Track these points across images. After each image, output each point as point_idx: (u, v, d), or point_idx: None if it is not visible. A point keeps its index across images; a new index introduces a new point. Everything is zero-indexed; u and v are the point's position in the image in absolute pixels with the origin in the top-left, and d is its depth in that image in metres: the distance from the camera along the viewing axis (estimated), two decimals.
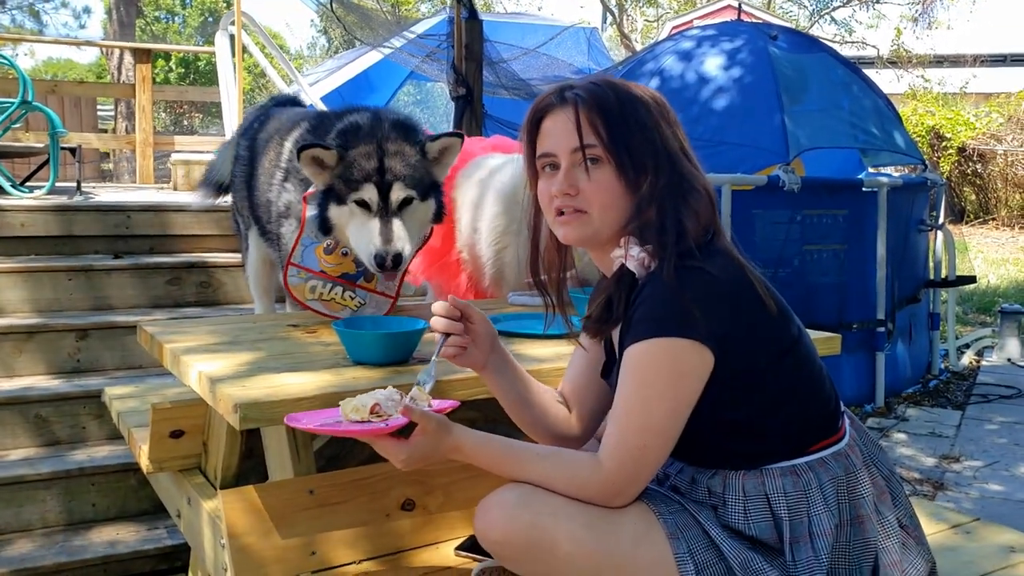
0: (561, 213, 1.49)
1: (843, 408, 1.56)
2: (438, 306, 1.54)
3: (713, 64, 5.27)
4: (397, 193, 2.25)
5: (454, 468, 1.85)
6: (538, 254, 1.60)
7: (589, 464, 1.40)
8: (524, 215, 3.06)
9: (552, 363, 1.95)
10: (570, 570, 1.38)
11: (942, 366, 5.72)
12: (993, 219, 12.88)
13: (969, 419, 4.70)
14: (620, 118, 1.44)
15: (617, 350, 1.51)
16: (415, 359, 1.91)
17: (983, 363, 5.93)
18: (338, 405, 1.53)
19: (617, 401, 1.41)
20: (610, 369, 1.57)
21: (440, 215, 2.45)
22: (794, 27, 15.20)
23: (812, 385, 1.50)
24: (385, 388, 1.52)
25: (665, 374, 1.36)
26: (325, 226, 2.33)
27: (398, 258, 2.21)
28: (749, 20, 6.09)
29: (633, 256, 1.45)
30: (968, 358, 5.99)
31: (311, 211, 2.36)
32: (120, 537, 2.93)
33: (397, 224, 2.24)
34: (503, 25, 7.25)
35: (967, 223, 12.79)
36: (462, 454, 1.43)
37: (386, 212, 2.24)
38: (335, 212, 2.30)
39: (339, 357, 1.93)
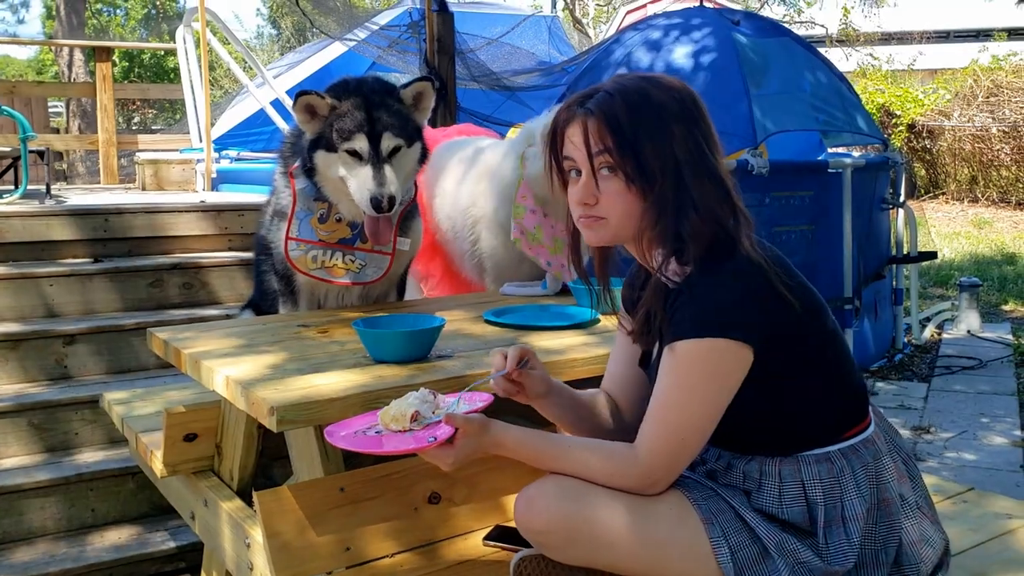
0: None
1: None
2: (500, 360, 1.61)
3: (680, 52, 5.35)
4: (387, 142, 2.42)
5: (476, 460, 1.90)
6: (579, 249, 1.66)
7: (626, 455, 1.47)
8: (512, 207, 3.08)
9: (562, 355, 2.01)
10: (611, 555, 1.45)
11: (905, 340, 5.89)
12: (943, 193, 13.18)
13: (935, 391, 4.87)
14: (630, 127, 1.47)
15: (657, 345, 1.57)
16: (434, 355, 1.97)
17: (944, 336, 6.12)
18: (368, 410, 1.60)
19: (655, 396, 1.47)
20: (648, 360, 1.64)
21: (424, 159, 2.61)
22: (745, 8, 15.36)
23: (845, 375, 1.57)
24: (417, 390, 1.57)
25: (705, 374, 1.43)
26: (310, 169, 2.47)
27: (392, 200, 2.39)
28: (709, 4, 6.15)
29: (666, 274, 1.50)
30: (930, 331, 6.17)
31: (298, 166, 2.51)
32: (122, 541, 2.94)
33: (388, 170, 2.41)
34: (465, 15, 7.24)
35: (918, 198, 13.07)
36: (504, 449, 1.49)
37: (377, 160, 2.40)
38: (323, 157, 2.45)
39: (359, 356, 1.97)
